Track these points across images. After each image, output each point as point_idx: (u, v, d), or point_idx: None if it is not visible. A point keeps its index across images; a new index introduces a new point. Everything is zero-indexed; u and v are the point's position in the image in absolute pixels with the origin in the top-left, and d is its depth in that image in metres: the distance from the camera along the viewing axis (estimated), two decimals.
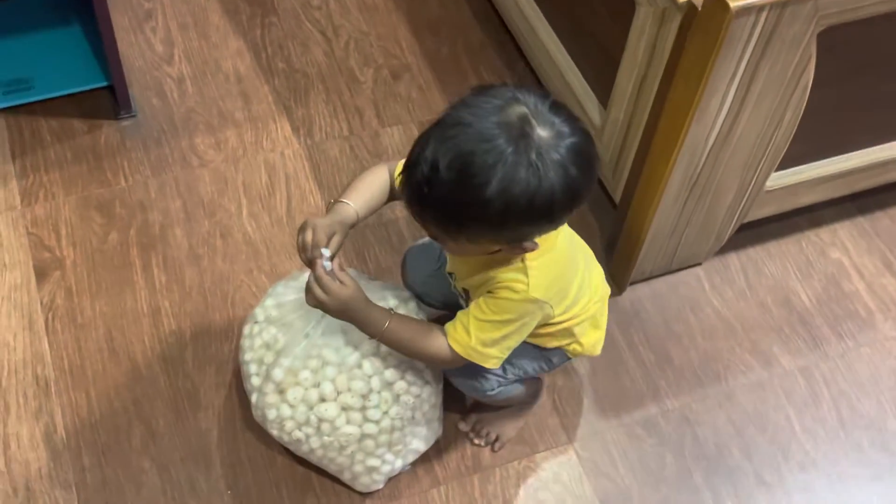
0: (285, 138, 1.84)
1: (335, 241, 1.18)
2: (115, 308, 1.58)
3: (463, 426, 1.50)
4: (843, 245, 1.79)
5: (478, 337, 1.19)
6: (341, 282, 1.16)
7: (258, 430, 1.44)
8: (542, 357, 1.34)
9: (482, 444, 1.49)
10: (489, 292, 1.19)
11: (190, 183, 1.75)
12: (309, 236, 1.16)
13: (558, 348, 1.33)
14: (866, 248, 1.79)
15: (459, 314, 1.22)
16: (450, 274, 1.31)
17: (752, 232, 1.75)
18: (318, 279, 1.16)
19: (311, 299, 1.17)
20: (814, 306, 1.70)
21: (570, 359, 1.37)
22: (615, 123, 1.57)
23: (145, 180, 1.75)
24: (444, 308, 1.47)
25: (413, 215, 1.11)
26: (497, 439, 1.48)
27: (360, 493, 1.42)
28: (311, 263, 1.17)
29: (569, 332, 1.30)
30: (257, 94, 1.90)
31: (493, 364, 1.22)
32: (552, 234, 1.18)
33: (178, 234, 1.68)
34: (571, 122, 1.04)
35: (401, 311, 1.34)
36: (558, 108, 1.05)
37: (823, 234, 1.80)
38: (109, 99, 1.84)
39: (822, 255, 1.77)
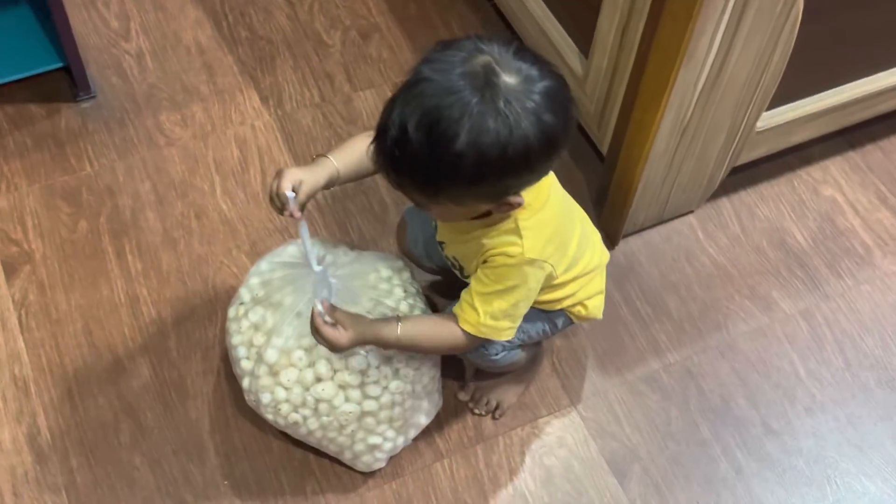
0: (254, 110, 1.76)
1: (303, 189, 1.16)
2: (91, 300, 1.51)
3: (462, 396, 1.45)
4: (835, 182, 1.75)
5: (485, 311, 1.16)
6: (339, 324, 1.15)
7: (251, 416, 1.39)
8: (546, 320, 1.30)
9: (483, 412, 1.44)
10: (485, 262, 1.15)
11: (158, 163, 1.68)
12: (275, 184, 1.16)
13: (562, 311, 1.29)
14: (859, 182, 1.75)
15: (463, 294, 1.18)
16: (440, 243, 1.25)
17: (744, 175, 1.70)
18: (316, 331, 1.15)
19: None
20: (810, 246, 1.67)
21: (573, 322, 1.33)
22: (598, 72, 1.51)
23: (111, 164, 1.67)
24: (441, 273, 1.42)
25: (391, 184, 1.07)
26: (498, 407, 1.44)
27: (362, 473, 1.37)
28: (280, 211, 1.17)
29: (572, 294, 1.26)
30: (221, 65, 1.81)
31: (507, 335, 1.19)
32: (543, 191, 1.13)
33: (150, 217, 1.61)
34: (540, 66, 1.00)
35: (395, 281, 1.30)
36: (523, 52, 1.01)
37: (815, 171, 1.75)
38: (66, 81, 1.75)
39: (815, 194, 1.73)
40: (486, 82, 0.97)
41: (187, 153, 1.69)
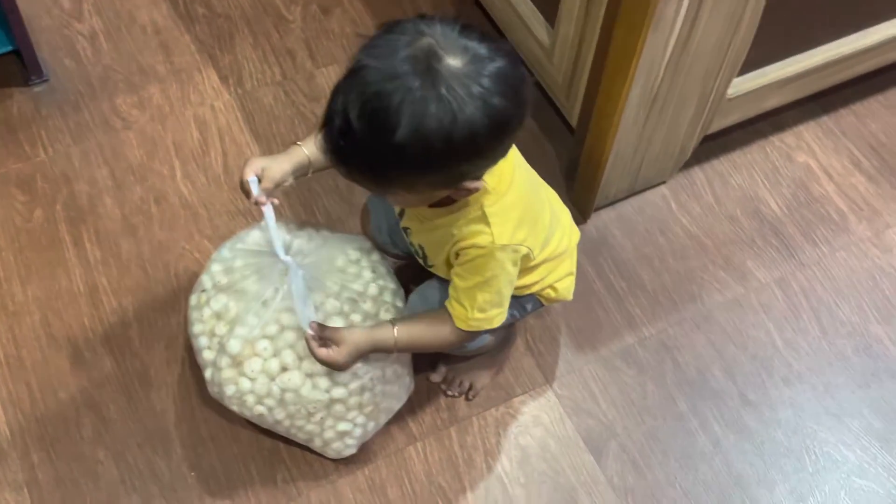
0: (214, 89, 1.71)
1: (266, 175, 1.16)
2: (49, 291, 1.46)
3: (435, 377, 1.42)
4: (809, 147, 1.72)
5: (471, 306, 1.14)
6: (331, 342, 1.14)
7: (218, 406, 1.35)
8: (515, 305, 1.27)
9: (456, 394, 1.41)
10: (458, 255, 1.12)
11: (116, 148, 1.62)
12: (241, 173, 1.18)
13: (531, 295, 1.26)
14: (833, 148, 1.72)
15: (451, 290, 1.16)
16: (405, 229, 1.22)
17: (716, 143, 1.67)
18: (314, 356, 1.15)
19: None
20: (784, 214, 1.64)
21: (542, 305, 1.30)
22: (565, 42, 1.47)
23: (66, 149, 1.61)
24: (407, 259, 1.39)
25: (342, 175, 1.04)
26: (471, 388, 1.41)
27: (333, 460, 1.34)
28: (247, 195, 1.17)
29: (542, 279, 1.24)
30: (178, 44, 1.76)
31: (499, 321, 1.18)
32: (506, 174, 1.10)
33: (108, 204, 1.56)
34: (489, 45, 0.96)
35: (363, 263, 1.27)
36: (469, 31, 0.96)
37: (788, 138, 1.73)
38: (17, 65, 1.69)
39: (788, 160, 1.70)
40: (428, 67, 0.93)
41: (145, 136, 1.64)
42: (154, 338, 1.43)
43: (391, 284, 1.29)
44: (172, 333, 1.43)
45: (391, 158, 0.96)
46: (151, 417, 1.36)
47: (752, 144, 1.71)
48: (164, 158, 1.61)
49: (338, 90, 0.97)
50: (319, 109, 1.69)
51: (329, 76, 1.74)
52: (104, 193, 1.57)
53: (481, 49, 0.95)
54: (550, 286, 1.26)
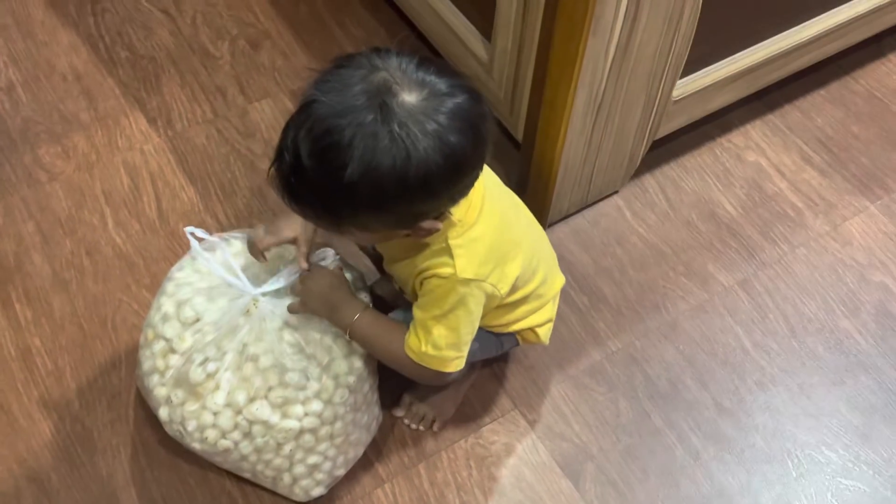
0: (142, 133, 1.63)
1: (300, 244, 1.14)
2: None
3: (398, 412, 1.35)
4: (757, 146, 1.69)
5: (426, 339, 1.07)
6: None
7: (169, 465, 1.27)
8: (494, 341, 1.23)
9: (421, 427, 1.34)
10: (421, 285, 1.07)
11: (41, 201, 1.53)
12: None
13: (511, 333, 1.22)
14: (782, 145, 1.70)
15: (412, 322, 1.10)
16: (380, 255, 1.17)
17: (665, 149, 1.64)
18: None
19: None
20: (740, 215, 1.61)
21: (518, 344, 1.27)
22: (504, 55, 1.43)
23: None
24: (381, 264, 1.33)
25: (295, 213, 0.99)
26: (435, 420, 1.34)
27: None
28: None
29: (524, 318, 1.20)
30: (101, 89, 1.68)
31: (455, 366, 1.10)
32: (474, 206, 1.05)
33: (36, 260, 1.47)
34: (449, 78, 0.92)
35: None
36: (428, 64, 0.92)
37: (736, 138, 1.70)
38: None
39: (738, 161, 1.68)
40: (382, 103, 0.88)
41: (72, 187, 1.55)
42: (95, 397, 1.34)
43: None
44: (115, 390, 1.34)
45: (343, 197, 0.91)
46: (98, 483, 1.27)
47: (700, 147, 1.68)
48: (94, 208, 1.53)
49: (288, 125, 0.93)
50: (255, 145, 1.63)
51: (263, 110, 1.68)
52: (31, 250, 1.48)
53: (441, 84, 0.90)
54: (531, 329, 1.22)
